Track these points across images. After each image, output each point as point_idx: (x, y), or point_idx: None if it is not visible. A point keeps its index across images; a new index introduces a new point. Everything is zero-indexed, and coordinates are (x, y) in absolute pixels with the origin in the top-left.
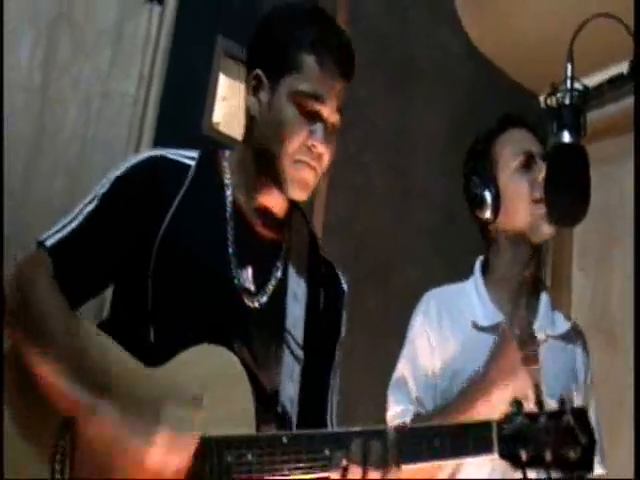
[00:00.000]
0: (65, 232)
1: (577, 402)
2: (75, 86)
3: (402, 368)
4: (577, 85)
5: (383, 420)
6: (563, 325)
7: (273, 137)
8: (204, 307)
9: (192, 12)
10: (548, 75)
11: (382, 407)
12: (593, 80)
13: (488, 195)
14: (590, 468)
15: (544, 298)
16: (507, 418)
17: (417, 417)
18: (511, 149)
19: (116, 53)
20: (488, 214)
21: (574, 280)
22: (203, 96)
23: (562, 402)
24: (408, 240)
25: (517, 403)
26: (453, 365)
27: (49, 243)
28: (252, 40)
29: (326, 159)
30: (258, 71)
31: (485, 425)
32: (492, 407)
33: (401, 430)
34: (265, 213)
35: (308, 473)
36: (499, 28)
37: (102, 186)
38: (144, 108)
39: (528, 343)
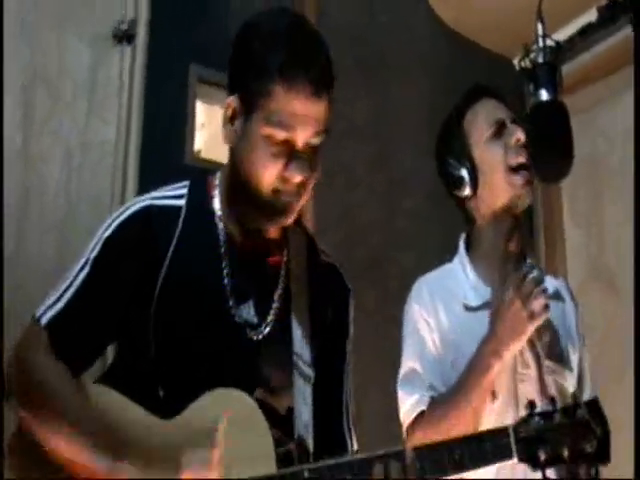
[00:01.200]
0: (61, 305)
1: (573, 358)
2: (55, 142)
3: (409, 361)
4: (549, 42)
5: (391, 411)
6: (551, 285)
7: (249, 169)
8: (209, 351)
9: (162, 45)
10: (520, 38)
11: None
12: (563, 34)
13: (464, 172)
14: (607, 458)
15: (529, 262)
16: (522, 421)
17: (433, 401)
18: (481, 121)
19: (92, 102)
20: (467, 191)
21: (568, 235)
22: (182, 127)
23: (575, 396)
24: (399, 228)
25: (531, 404)
26: (452, 349)
27: (45, 320)
28: (229, 64)
29: (309, 183)
30: (233, 98)
31: (502, 431)
32: (505, 364)
33: (419, 448)
34: (259, 239)
35: None
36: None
37: (93, 249)
38: (125, 151)
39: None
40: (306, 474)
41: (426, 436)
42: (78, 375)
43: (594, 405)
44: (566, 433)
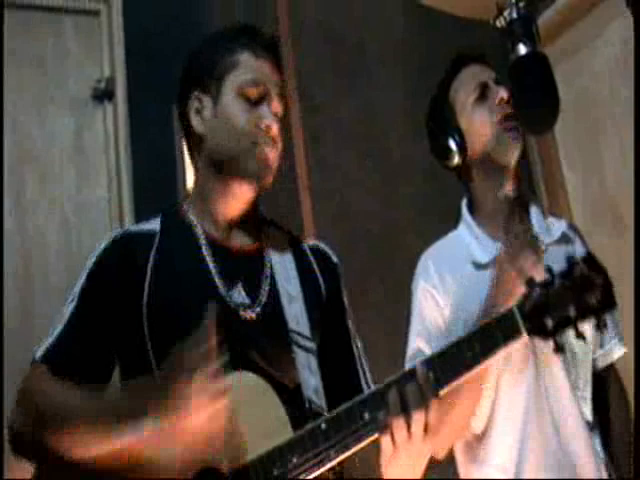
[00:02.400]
0: (53, 337)
1: None
2: (50, 213)
3: (415, 341)
4: None
5: None
6: (558, 229)
7: (227, 136)
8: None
9: (142, 93)
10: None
11: None
12: None
13: (452, 143)
14: (613, 304)
15: (534, 210)
16: (524, 297)
17: None
18: (465, 87)
19: (80, 166)
20: (456, 160)
21: (567, 180)
22: (173, 168)
23: (570, 257)
24: (399, 214)
25: (530, 280)
26: (464, 310)
27: (40, 353)
28: (183, 71)
29: (279, 145)
30: (196, 93)
31: (506, 313)
32: None
33: (429, 360)
34: (237, 228)
35: (358, 445)
36: None
37: (77, 284)
38: (120, 205)
39: (533, 253)
40: (323, 426)
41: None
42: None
43: (590, 259)
44: (568, 293)
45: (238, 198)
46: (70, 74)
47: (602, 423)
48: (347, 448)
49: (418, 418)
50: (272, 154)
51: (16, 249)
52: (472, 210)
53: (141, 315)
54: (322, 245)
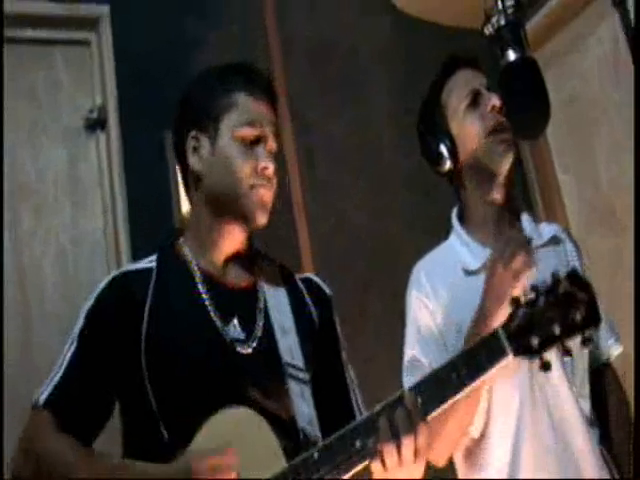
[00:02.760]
0: (54, 382)
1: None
2: (46, 246)
3: (410, 350)
4: (508, 2)
5: None
6: (549, 232)
7: (225, 177)
8: (204, 376)
9: (134, 120)
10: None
11: None
12: None
13: (442, 147)
14: (598, 320)
15: (525, 216)
16: (509, 318)
17: None
18: (457, 93)
19: (75, 196)
20: (447, 165)
21: (562, 183)
22: (168, 194)
23: (554, 275)
24: (395, 226)
25: (514, 300)
26: (456, 316)
27: (42, 398)
28: (180, 109)
29: (274, 183)
30: (193, 132)
31: (492, 335)
32: None
33: (416, 386)
34: (232, 264)
35: (349, 472)
36: None
37: (77, 325)
38: (115, 233)
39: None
40: (316, 456)
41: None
42: (88, 444)
43: (574, 276)
44: (553, 310)
45: (234, 237)
46: (62, 105)
47: (601, 420)
48: (339, 476)
49: (407, 443)
50: (268, 194)
51: (13, 282)
52: (463, 219)
53: (139, 353)
54: (314, 277)
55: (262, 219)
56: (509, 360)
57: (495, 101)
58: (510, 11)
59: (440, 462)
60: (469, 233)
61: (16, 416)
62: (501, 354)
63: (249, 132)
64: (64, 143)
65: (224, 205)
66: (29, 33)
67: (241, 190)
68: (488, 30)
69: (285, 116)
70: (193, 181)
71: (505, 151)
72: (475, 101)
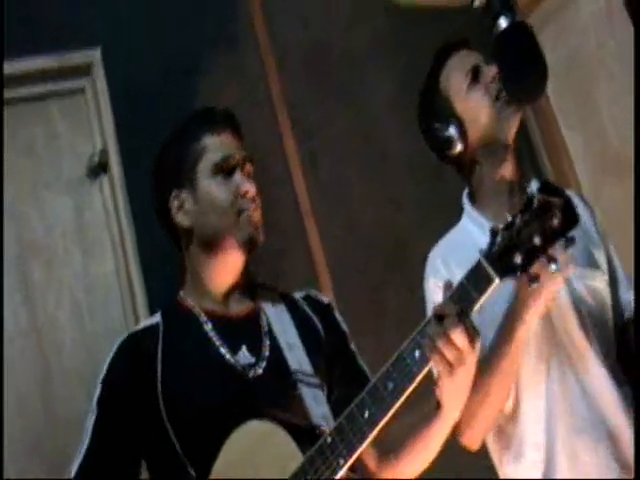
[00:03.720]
0: (82, 455)
1: (599, 256)
2: (59, 299)
3: None
4: None
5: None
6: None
7: (212, 216)
8: (222, 410)
9: (136, 162)
10: None
11: None
12: None
13: (452, 130)
14: (576, 219)
15: (534, 185)
16: (490, 244)
17: None
18: (456, 74)
19: (84, 245)
20: (459, 147)
21: (568, 140)
22: None
23: (527, 193)
24: (407, 218)
25: (492, 230)
26: None
27: (73, 471)
28: (155, 176)
29: (259, 202)
30: (174, 192)
31: (475, 267)
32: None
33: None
34: (232, 296)
35: (363, 444)
36: None
37: (95, 395)
38: (128, 276)
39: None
40: (329, 439)
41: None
42: None
43: (546, 186)
44: (531, 225)
45: (231, 268)
46: (62, 156)
47: (630, 376)
48: (354, 450)
49: (456, 328)
50: (256, 214)
51: (29, 339)
52: (473, 199)
53: (159, 408)
54: (311, 291)
55: (259, 237)
56: (497, 284)
57: (494, 70)
58: None
59: (475, 445)
60: (481, 212)
61: (42, 467)
62: (488, 281)
63: (224, 165)
64: (68, 193)
65: (217, 242)
66: (23, 91)
67: (230, 220)
68: (477, 2)
69: (285, 125)
70: (184, 237)
71: (513, 113)
72: (476, 77)
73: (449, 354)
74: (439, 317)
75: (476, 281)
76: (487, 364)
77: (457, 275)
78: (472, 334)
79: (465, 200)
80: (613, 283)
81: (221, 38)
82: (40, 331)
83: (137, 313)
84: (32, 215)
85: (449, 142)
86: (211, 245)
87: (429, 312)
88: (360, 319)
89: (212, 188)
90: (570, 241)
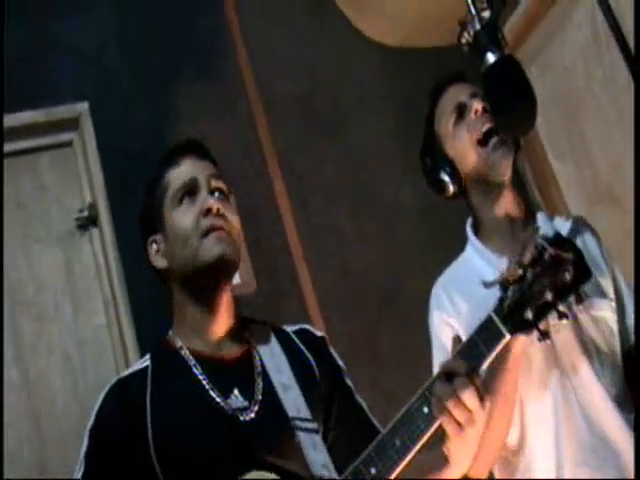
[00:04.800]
0: None
1: (605, 284)
2: (50, 356)
3: None
4: (481, 4)
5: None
6: (565, 226)
7: (179, 246)
8: (214, 457)
9: (126, 214)
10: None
11: None
12: None
13: (443, 174)
14: (588, 274)
15: (540, 216)
16: (500, 301)
17: None
18: (444, 114)
19: (74, 299)
20: (452, 190)
21: (558, 172)
22: None
23: (537, 245)
24: (400, 258)
25: (503, 282)
26: None
27: None
28: (139, 229)
29: (232, 218)
30: (151, 237)
31: (486, 321)
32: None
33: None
34: (223, 338)
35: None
36: (390, 12)
37: (82, 446)
38: (120, 329)
39: None
40: None
41: None
42: None
43: (557, 238)
44: (542, 279)
45: (218, 310)
46: (51, 209)
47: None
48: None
49: (466, 388)
50: (224, 229)
51: (21, 397)
52: (477, 229)
53: (149, 455)
54: (305, 326)
55: (232, 255)
56: (507, 340)
57: (477, 105)
58: (484, 14)
59: (482, 476)
60: (484, 243)
61: None
62: (499, 338)
63: (182, 192)
64: (58, 247)
65: (194, 275)
66: (12, 146)
67: (195, 247)
68: (465, 38)
69: (276, 174)
70: (167, 280)
71: (503, 155)
72: (461, 114)
73: (459, 416)
74: (448, 375)
75: (487, 337)
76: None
77: (461, 308)
78: (482, 394)
79: (469, 230)
80: (620, 309)
81: (210, 87)
82: (31, 387)
83: (129, 366)
84: (22, 269)
85: (442, 185)
86: (190, 284)
87: (434, 345)
88: (353, 362)
89: (176, 218)
90: (581, 297)
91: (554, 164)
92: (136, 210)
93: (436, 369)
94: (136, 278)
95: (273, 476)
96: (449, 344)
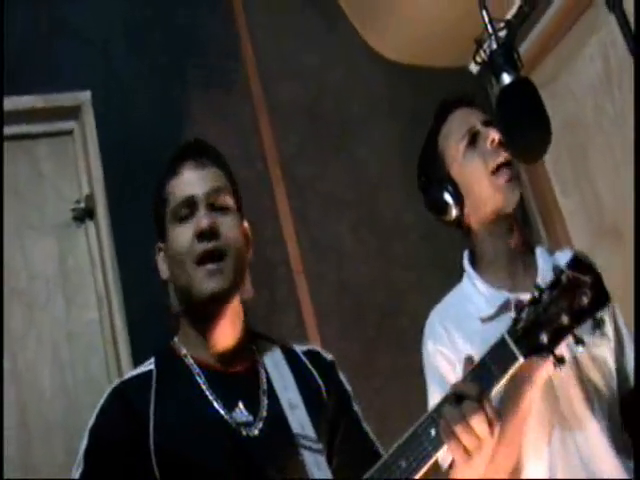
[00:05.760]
0: None
1: (608, 326)
2: (39, 347)
3: (436, 398)
4: (498, 24)
5: None
6: (567, 259)
7: (177, 265)
8: (216, 471)
9: (124, 208)
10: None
11: None
12: (511, 13)
13: (447, 196)
14: (607, 298)
15: (539, 252)
16: (515, 321)
17: None
18: (454, 136)
19: (67, 292)
20: (454, 213)
21: (563, 207)
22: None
23: (555, 268)
24: (400, 276)
25: (516, 304)
26: None
27: None
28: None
29: (229, 234)
30: (159, 244)
31: (499, 342)
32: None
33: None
34: (228, 353)
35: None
36: (400, 29)
37: (81, 445)
38: (112, 325)
39: None
40: None
41: None
42: None
43: (576, 261)
44: (559, 302)
45: (221, 330)
46: (48, 199)
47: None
48: None
49: (476, 414)
50: (214, 253)
51: (8, 387)
52: (474, 261)
53: (150, 463)
54: (315, 347)
55: (213, 285)
56: (521, 363)
57: (494, 135)
58: (501, 33)
59: None
60: (482, 276)
61: None
62: (512, 360)
63: (181, 211)
64: (53, 238)
65: (190, 300)
66: (11, 130)
67: (189, 273)
68: (480, 57)
69: (278, 181)
70: (170, 288)
71: (512, 189)
72: (473, 140)
73: (467, 442)
74: (458, 397)
75: (499, 359)
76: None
77: (458, 343)
78: (492, 419)
79: (466, 262)
80: (619, 350)
81: (215, 88)
82: (19, 377)
83: (120, 363)
84: (16, 256)
85: (444, 207)
86: (190, 310)
87: (429, 377)
88: (349, 379)
89: (174, 236)
90: (599, 322)
91: (560, 198)
92: (134, 206)
93: (431, 398)
94: (131, 275)
95: None
96: (446, 374)
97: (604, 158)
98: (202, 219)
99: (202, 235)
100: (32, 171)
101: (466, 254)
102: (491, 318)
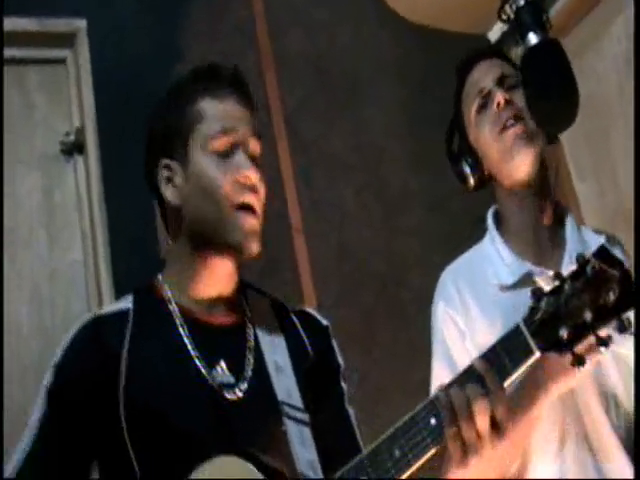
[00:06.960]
0: (22, 450)
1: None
2: (20, 283)
3: (438, 370)
4: None
5: None
6: (596, 241)
7: (204, 202)
8: (190, 427)
9: (114, 144)
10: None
11: None
12: None
13: (465, 167)
14: (636, 298)
15: (569, 223)
16: (531, 311)
17: None
18: (468, 101)
19: (51, 228)
20: (472, 183)
21: (579, 192)
22: (152, 222)
23: (579, 256)
24: (403, 247)
25: (534, 291)
26: (489, 337)
27: (10, 470)
28: (146, 138)
29: (262, 191)
30: (164, 161)
31: (514, 331)
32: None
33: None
34: (217, 301)
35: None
36: None
37: (44, 380)
38: (96, 266)
39: None
40: None
41: None
42: None
43: (602, 252)
44: (582, 295)
45: (219, 274)
46: (37, 129)
47: None
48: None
49: (481, 410)
50: (256, 220)
51: None
52: (499, 221)
53: (117, 408)
54: (309, 310)
55: (254, 247)
56: (537, 358)
57: (499, 98)
58: None
59: None
60: (505, 241)
61: None
62: (527, 353)
63: (222, 141)
64: (39, 170)
65: (208, 236)
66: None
67: (224, 214)
68: (505, 14)
69: (281, 135)
70: (172, 215)
71: (522, 147)
72: (484, 103)
73: (466, 434)
74: (472, 376)
75: (513, 350)
76: None
77: (471, 308)
78: (499, 417)
79: (490, 221)
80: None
81: (218, 25)
82: None
83: (102, 305)
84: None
85: (462, 176)
86: (199, 239)
87: (435, 341)
88: (344, 351)
89: (206, 169)
90: (624, 326)
91: (576, 183)
92: (125, 143)
93: (436, 367)
94: (118, 215)
95: (245, 465)
96: (453, 343)
97: (625, 142)
98: (249, 168)
99: (245, 187)
100: (22, 99)
101: (491, 213)
102: (509, 288)
